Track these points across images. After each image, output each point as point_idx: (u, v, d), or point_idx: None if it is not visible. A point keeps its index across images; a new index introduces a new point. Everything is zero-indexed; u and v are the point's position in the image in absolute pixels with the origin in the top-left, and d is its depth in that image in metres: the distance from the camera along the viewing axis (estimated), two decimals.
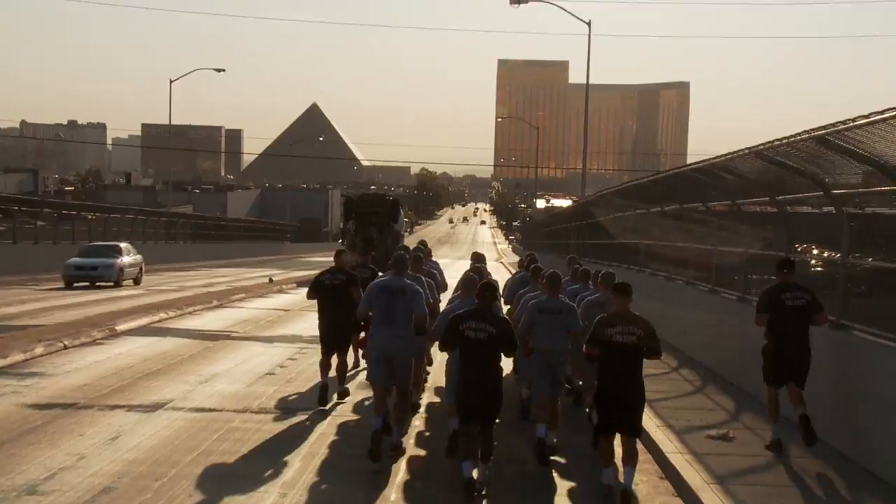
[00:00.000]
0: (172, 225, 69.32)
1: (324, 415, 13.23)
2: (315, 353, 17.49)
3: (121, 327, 21.54)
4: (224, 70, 72.08)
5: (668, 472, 10.33)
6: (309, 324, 23.15)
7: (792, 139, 10.31)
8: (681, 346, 18.36)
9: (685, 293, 19.26)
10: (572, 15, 46.74)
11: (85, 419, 12.40)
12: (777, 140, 10.77)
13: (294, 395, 14.65)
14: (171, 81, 69.01)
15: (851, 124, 8.77)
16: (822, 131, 9.54)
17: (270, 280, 41.76)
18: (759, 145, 11.68)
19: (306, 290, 14.62)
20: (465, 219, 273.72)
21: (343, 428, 12.54)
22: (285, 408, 13.63)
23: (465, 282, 11.67)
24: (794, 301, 10.86)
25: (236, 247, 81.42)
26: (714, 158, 14.22)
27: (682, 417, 12.63)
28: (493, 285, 10.32)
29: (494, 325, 9.64)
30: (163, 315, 24.70)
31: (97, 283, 36.57)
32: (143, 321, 23.10)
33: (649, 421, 12.20)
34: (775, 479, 9.94)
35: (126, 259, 38.85)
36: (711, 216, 18.11)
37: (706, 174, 15.95)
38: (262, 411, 13.32)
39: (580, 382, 13.53)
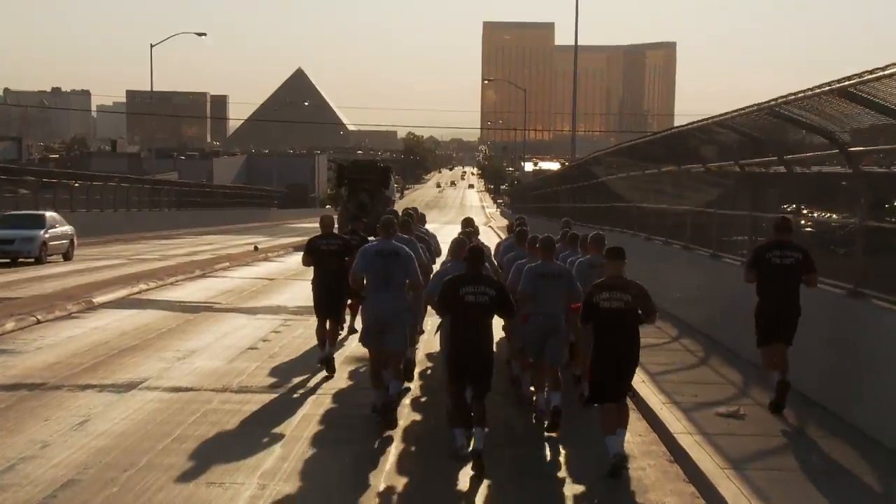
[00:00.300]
0: (157, 192, 66.24)
1: (307, 394, 12.49)
2: (300, 325, 16.95)
3: (98, 300, 20.71)
4: (205, 34, 70.44)
5: (678, 455, 9.60)
6: (294, 293, 22.54)
7: (810, 93, 9.49)
8: (681, 314, 17.65)
9: (684, 259, 18.51)
10: None
11: (52, 401, 11.62)
12: (792, 94, 9.97)
13: (277, 371, 13.86)
14: (151, 46, 66.96)
15: (881, 73, 7.98)
16: (846, 82, 8.74)
17: (256, 248, 40.23)
18: (772, 100, 10.89)
19: (301, 255, 14.21)
20: (453, 182, 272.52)
21: (327, 408, 11.80)
22: (267, 386, 12.86)
23: (457, 245, 11.63)
24: (783, 259, 10.71)
25: (222, 214, 78.81)
26: (718, 116, 13.37)
27: (687, 393, 11.89)
28: (480, 249, 10.24)
29: (494, 288, 9.54)
30: (143, 286, 23.78)
31: (18, 260, 31.19)
32: (122, 293, 22.23)
33: (654, 397, 11.54)
34: (792, 461, 9.21)
35: (53, 231, 32.83)
36: (711, 178, 17.32)
37: (708, 133, 15.19)
38: (243, 390, 12.55)
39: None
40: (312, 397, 12.27)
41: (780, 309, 10.68)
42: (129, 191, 59.04)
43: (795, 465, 9.06)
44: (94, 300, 20.49)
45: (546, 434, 10.55)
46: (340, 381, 13.25)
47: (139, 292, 22.95)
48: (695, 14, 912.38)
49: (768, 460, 9.23)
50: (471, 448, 9.15)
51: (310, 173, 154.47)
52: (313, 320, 14.12)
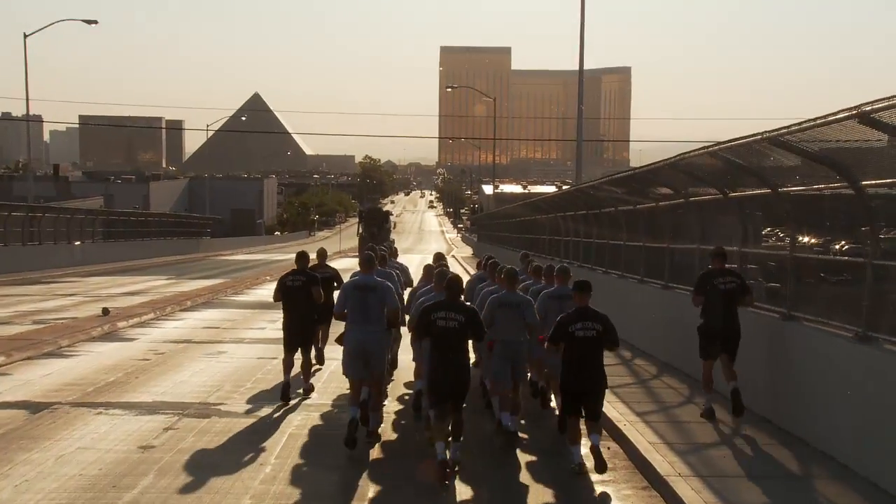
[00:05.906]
0: (36, 221, 49.03)
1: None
2: None
3: None
4: (96, 22, 58.15)
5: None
6: (56, 459, 10.63)
7: (832, 119, 8.76)
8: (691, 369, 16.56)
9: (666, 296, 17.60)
10: None
11: None
12: (809, 121, 9.26)
13: None
14: (25, 36, 56.19)
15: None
16: (868, 107, 8.04)
17: (105, 312, 26.30)
18: (775, 130, 10.20)
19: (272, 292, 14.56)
20: (431, 204, 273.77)
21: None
22: None
23: (439, 276, 12.32)
24: (726, 285, 12.40)
25: (140, 245, 65.99)
26: (711, 146, 12.67)
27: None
28: (459, 280, 10.93)
29: (464, 313, 10.42)
30: None
31: None
32: None
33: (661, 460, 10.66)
34: None
35: None
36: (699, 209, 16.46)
37: (695, 163, 14.50)
38: None
39: (542, 384, 13.92)
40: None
41: (723, 327, 12.28)
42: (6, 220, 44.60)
43: None
44: None
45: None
46: (292, 466, 10.64)
47: None
48: (649, 40, 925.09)
49: None
50: (448, 457, 10.00)
51: (257, 198, 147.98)
52: None
